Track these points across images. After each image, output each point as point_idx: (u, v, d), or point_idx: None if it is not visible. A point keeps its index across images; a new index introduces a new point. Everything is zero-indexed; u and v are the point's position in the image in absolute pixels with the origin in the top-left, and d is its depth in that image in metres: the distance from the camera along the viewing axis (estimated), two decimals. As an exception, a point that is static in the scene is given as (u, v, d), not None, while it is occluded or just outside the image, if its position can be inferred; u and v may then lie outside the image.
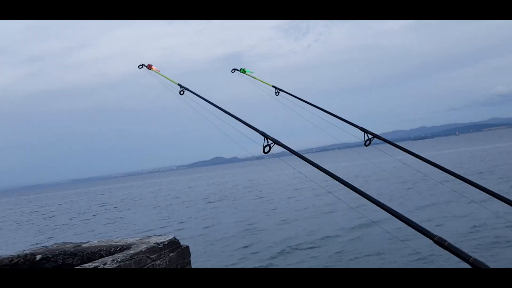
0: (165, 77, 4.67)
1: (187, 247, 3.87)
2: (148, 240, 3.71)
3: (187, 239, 18.01)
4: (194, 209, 30.75)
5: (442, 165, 3.25)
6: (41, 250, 4.08)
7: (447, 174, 3.21)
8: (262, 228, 18.94)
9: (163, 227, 23.86)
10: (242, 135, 3.40)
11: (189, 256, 3.87)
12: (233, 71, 5.01)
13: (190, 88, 4.34)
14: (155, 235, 3.88)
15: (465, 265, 1.88)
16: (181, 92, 4.37)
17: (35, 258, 3.88)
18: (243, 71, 5.01)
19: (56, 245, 4.24)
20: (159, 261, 3.44)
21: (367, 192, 2.36)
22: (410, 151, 3.52)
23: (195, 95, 4.21)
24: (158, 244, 3.54)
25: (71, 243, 4.22)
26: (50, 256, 3.89)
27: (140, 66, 4.89)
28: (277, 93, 4.78)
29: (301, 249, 14.42)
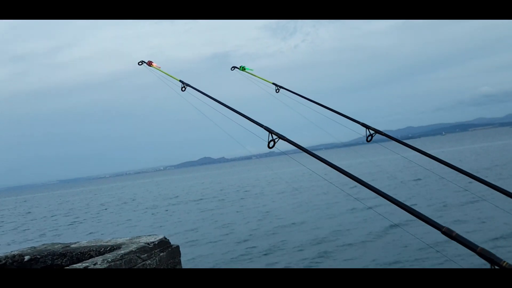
0: (166, 73, 4.57)
1: (177, 246, 3.86)
2: (138, 240, 3.70)
3: (174, 236, 18.01)
4: (187, 209, 30.68)
5: (448, 161, 3.27)
6: (29, 250, 4.03)
7: (452, 170, 3.23)
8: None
9: (161, 226, 23.73)
10: (246, 131, 3.38)
11: (180, 256, 3.86)
12: (232, 69, 4.97)
13: (191, 85, 4.26)
14: (145, 235, 3.87)
15: (474, 258, 1.89)
16: (183, 89, 4.29)
17: (24, 259, 3.84)
18: (242, 68, 4.98)
19: (44, 246, 4.19)
20: (149, 261, 3.44)
21: (378, 187, 2.37)
22: (413, 147, 3.54)
23: (197, 91, 4.09)
24: (148, 244, 3.53)
25: (60, 243, 4.18)
26: (39, 256, 3.85)
27: (140, 63, 4.77)
28: (277, 90, 4.72)
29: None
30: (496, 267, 1.81)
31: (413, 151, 3.54)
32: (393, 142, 3.84)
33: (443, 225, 2.01)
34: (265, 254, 13.97)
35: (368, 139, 3.80)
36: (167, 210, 31.57)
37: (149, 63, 4.76)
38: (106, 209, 40.68)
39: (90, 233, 24.38)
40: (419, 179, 29.56)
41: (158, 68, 4.70)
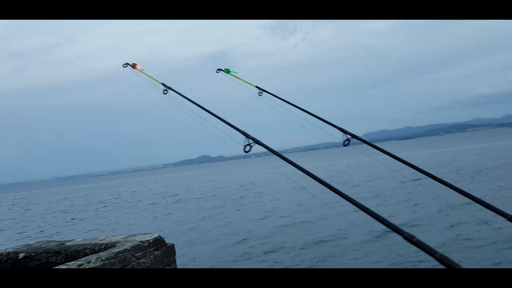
0: (149, 76, 4.67)
1: (172, 245, 3.86)
2: (133, 238, 3.70)
3: (171, 235, 18.08)
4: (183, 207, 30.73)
5: (416, 165, 3.34)
6: (24, 248, 4.03)
7: (421, 174, 3.31)
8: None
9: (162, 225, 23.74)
10: (224, 134, 3.43)
11: (174, 255, 3.86)
12: (217, 71, 5.05)
13: (174, 88, 4.34)
14: (140, 234, 3.87)
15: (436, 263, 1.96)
16: (165, 92, 4.38)
17: (18, 256, 3.84)
18: (227, 71, 5.05)
19: (39, 243, 4.19)
20: (144, 259, 3.44)
21: (343, 191, 2.42)
22: (386, 151, 3.62)
23: (178, 95, 4.21)
24: (143, 242, 3.53)
25: (55, 241, 4.18)
26: (33, 254, 3.85)
27: (125, 65, 4.88)
28: (260, 94, 4.82)
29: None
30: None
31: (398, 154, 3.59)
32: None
33: (405, 230, 2.07)
34: (264, 253, 14.04)
35: (345, 144, 3.88)
36: (165, 208, 31.61)
37: (133, 66, 4.87)
38: (105, 206, 40.72)
39: (89, 230, 24.40)
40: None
41: (141, 71, 4.82)
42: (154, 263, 3.56)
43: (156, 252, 3.60)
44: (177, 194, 44.55)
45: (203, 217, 24.14)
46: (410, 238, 2.02)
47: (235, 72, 5.01)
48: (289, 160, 2.88)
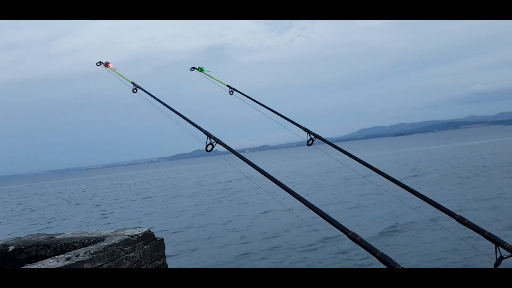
0: (120, 75, 4.76)
1: (162, 239, 3.89)
2: (122, 232, 3.72)
3: (163, 230, 18.21)
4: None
5: (373, 165, 3.44)
6: (14, 241, 4.04)
7: (376, 174, 3.41)
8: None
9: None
10: (189, 133, 3.50)
11: (164, 249, 3.89)
12: (192, 69, 5.13)
13: (143, 87, 4.42)
14: (129, 228, 3.89)
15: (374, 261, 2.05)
16: (134, 91, 4.45)
17: (8, 249, 3.86)
18: (201, 69, 5.15)
19: (29, 236, 4.21)
20: (132, 254, 3.46)
21: (294, 190, 2.53)
22: (345, 151, 3.72)
23: (147, 94, 4.29)
24: (132, 236, 3.55)
25: (45, 234, 4.20)
26: (23, 247, 3.86)
27: (98, 64, 4.97)
28: (231, 93, 4.87)
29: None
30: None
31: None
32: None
33: (350, 229, 2.18)
34: (262, 251, 14.25)
35: (309, 143, 3.95)
36: (163, 202, 31.70)
37: (106, 64, 4.95)
38: (102, 199, 40.71)
39: (79, 226, 24.36)
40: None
41: (113, 70, 4.89)
42: (143, 257, 3.58)
43: (145, 247, 3.63)
44: (172, 188, 44.65)
45: (196, 212, 24.23)
46: (354, 237, 2.15)
47: (208, 71, 5.11)
48: (247, 159, 3.00)
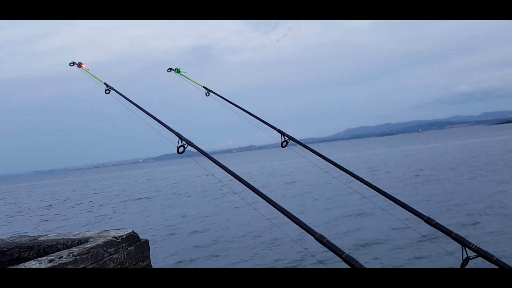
0: (92, 75, 4.75)
1: (146, 241, 3.88)
2: (106, 233, 3.70)
3: (148, 231, 18.16)
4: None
5: (346, 167, 3.48)
6: (-4, 243, 4.00)
7: (348, 175, 3.45)
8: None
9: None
10: (160, 135, 3.52)
11: (148, 250, 3.88)
12: (169, 70, 5.13)
13: (115, 88, 4.43)
14: (114, 229, 3.88)
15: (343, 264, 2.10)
16: (107, 91, 4.44)
17: (-10, 251, 3.81)
18: (177, 71, 5.15)
19: (12, 238, 4.17)
20: (116, 255, 3.45)
21: (262, 191, 2.57)
22: (318, 153, 3.77)
23: (120, 95, 4.29)
24: (116, 238, 3.54)
25: (28, 236, 4.16)
26: (5, 249, 3.83)
27: (71, 64, 4.95)
28: (207, 94, 4.87)
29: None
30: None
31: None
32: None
33: (317, 231, 2.20)
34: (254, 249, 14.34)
35: (283, 145, 3.98)
36: (157, 205, 31.55)
37: (79, 65, 4.95)
38: (91, 201, 40.28)
39: (61, 227, 24.11)
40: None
41: (86, 70, 4.89)
42: (128, 259, 3.57)
43: (129, 248, 3.62)
44: (157, 190, 44.40)
45: (180, 213, 24.16)
46: (321, 239, 2.18)
47: (185, 72, 5.11)
48: (217, 161, 3.05)
